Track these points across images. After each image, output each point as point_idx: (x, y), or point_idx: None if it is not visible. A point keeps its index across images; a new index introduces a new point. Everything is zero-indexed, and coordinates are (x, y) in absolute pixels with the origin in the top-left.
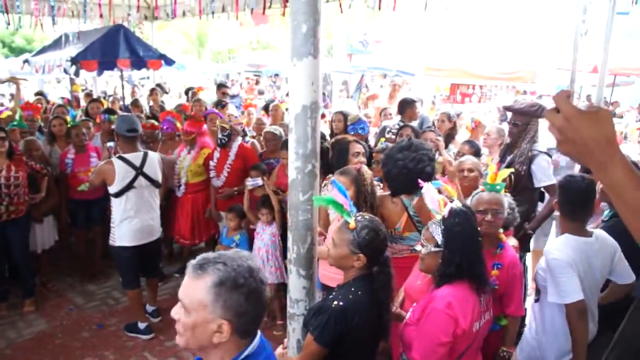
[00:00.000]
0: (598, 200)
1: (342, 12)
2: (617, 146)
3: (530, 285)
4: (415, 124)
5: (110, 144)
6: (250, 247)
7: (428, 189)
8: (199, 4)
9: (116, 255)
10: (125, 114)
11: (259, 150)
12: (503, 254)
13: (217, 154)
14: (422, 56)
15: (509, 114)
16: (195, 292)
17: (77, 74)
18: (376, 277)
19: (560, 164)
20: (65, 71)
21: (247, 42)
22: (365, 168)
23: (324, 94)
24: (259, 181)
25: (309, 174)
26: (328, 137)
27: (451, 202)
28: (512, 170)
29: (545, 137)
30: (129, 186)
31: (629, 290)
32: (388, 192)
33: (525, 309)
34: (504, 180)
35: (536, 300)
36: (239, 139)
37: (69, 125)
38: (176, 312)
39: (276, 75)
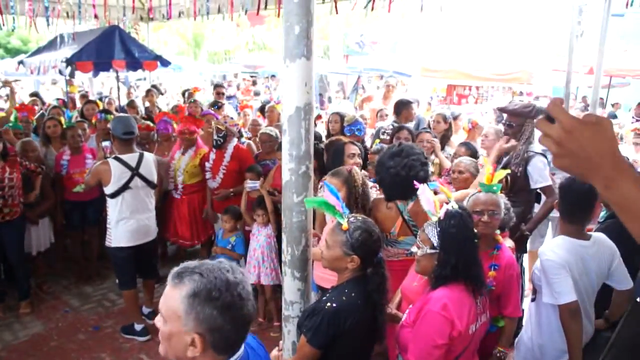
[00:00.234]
0: (599, 204)
1: (337, 13)
2: (623, 158)
3: (527, 286)
4: (411, 125)
5: (106, 143)
6: (246, 248)
7: (424, 191)
8: (194, 5)
9: (112, 256)
10: (122, 114)
11: (255, 152)
12: (500, 255)
13: (212, 156)
14: (418, 57)
15: (505, 115)
16: (171, 301)
17: (72, 75)
18: (370, 278)
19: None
20: (61, 72)
21: (244, 43)
22: (356, 169)
23: (320, 95)
24: (258, 184)
25: (303, 175)
26: (324, 139)
27: (447, 203)
28: (509, 171)
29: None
30: (125, 187)
31: (629, 295)
32: (383, 196)
33: (523, 310)
34: (500, 181)
35: (533, 300)
36: (235, 140)
37: (64, 127)
38: (157, 319)
39: (273, 76)
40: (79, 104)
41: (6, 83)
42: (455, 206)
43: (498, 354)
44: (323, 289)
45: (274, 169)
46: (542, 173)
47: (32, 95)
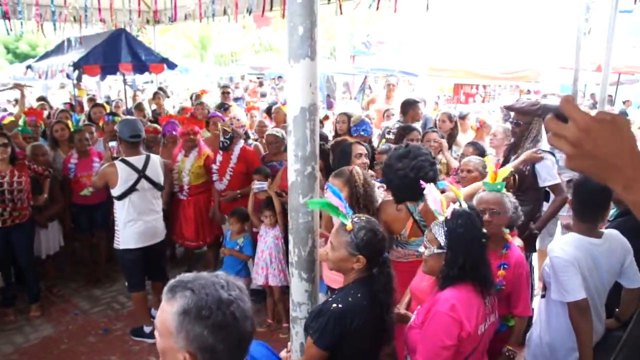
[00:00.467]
0: None
1: (341, 13)
2: None
3: (537, 285)
4: (418, 124)
5: (112, 143)
6: (254, 249)
7: (430, 190)
8: (199, 7)
9: (121, 258)
10: (129, 117)
11: (262, 153)
12: (509, 254)
13: (219, 157)
14: (425, 57)
15: (512, 114)
16: (163, 316)
17: (79, 78)
18: (376, 278)
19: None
20: (68, 76)
21: (250, 44)
22: (357, 169)
23: (328, 95)
24: (265, 185)
25: (309, 176)
26: (331, 139)
27: (455, 203)
28: (511, 169)
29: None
30: (132, 189)
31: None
32: (391, 198)
33: (533, 309)
34: (505, 179)
35: (543, 296)
36: (241, 142)
37: (72, 130)
38: (155, 331)
39: (279, 77)
40: (86, 108)
41: (17, 86)
42: (465, 205)
43: (508, 353)
44: (332, 290)
45: (282, 170)
46: (551, 171)
47: (39, 99)
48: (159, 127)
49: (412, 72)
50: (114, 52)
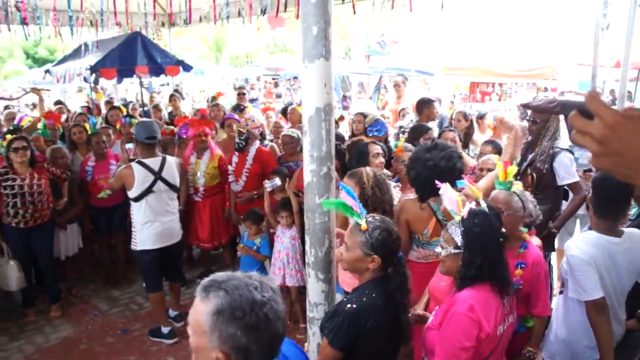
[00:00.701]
0: None
1: (355, 13)
2: None
3: (556, 285)
4: (434, 123)
5: (129, 145)
6: (271, 250)
7: (446, 190)
8: (214, 9)
9: (138, 259)
10: (145, 119)
11: (278, 154)
12: (526, 253)
13: (235, 159)
14: (440, 55)
15: (529, 112)
16: (197, 315)
17: (96, 82)
18: (391, 278)
19: (580, 161)
20: (86, 80)
21: (265, 45)
22: (367, 170)
23: (344, 96)
24: (277, 181)
25: (325, 176)
26: (347, 139)
27: (473, 202)
28: (516, 167)
29: (568, 134)
30: (148, 190)
31: None
32: (413, 197)
33: (552, 309)
34: (525, 178)
35: (561, 292)
36: (257, 143)
37: (89, 133)
38: (189, 328)
39: (294, 78)
40: (103, 111)
41: (34, 91)
42: (484, 205)
43: (528, 354)
44: (348, 293)
45: (298, 171)
46: (569, 169)
47: (56, 103)
48: (175, 128)
49: (427, 71)
50: (130, 55)
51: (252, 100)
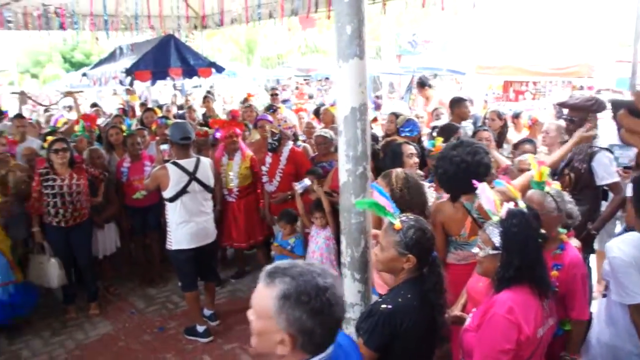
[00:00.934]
0: None
1: (385, 13)
2: None
3: (596, 288)
4: (467, 123)
5: (164, 146)
6: (305, 250)
7: (484, 189)
8: (246, 11)
9: (174, 258)
10: (179, 121)
11: (311, 154)
12: (563, 255)
13: (268, 159)
14: (472, 54)
15: (565, 111)
16: (262, 300)
17: (131, 84)
18: (426, 278)
19: (620, 160)
20: (121, 82)
21: (296, 46)
22: (398, 172)
23: (377, 96)
24: (307, 182)
25: (360, 176)
26: (380, 139)
27: (509, 202)
28: (548, 168)
29: (606, 133)
30: (183, 191)
31: None
32: (446, 199)
33: (591, 313)
34: (561, 179)
35: (604, 296)
36: (290, 144)
37: (124, 134)
38: (250, 313)
39: (326, 78)
40: (138, 112)
41: (69, 94)
42: (522, 205)
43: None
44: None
45: (333, 171)
46: (608, 169)
47: (92, 105)
48: (209, 130)
49: (459, 70)
50: (164, 57)
51: (284, 101)
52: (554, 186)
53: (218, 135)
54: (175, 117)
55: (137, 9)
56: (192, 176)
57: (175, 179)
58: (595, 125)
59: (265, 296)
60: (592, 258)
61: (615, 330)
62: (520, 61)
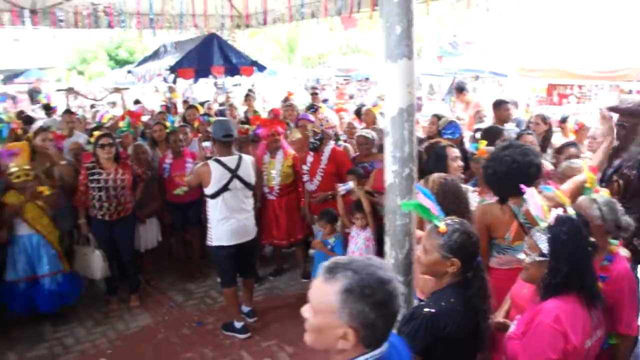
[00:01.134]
0: None
1: (428, 14)
2: None
3: None
4: (511, 126)
5: (207, 143)
6: (345, 250)
7: (532, 195)
8: (289, 10)
9: (214, 254)
10: (222, 118)
11: (352, 154)
12: (611, 266)
13: (310, 158)
14: (515, 56)
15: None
16: (323, 296)
17: (174, 81)
18: (470, 282)
19: None
20: (165, 80)
21: (337, 46)
22: (435, 177)
23: (417, 98)
24: (351, 184)
25: (407, 177)
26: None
27: (559, 208)
28: (585, 176)
29: None
30: (225, 188)
31: None
32: (492, 201)
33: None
34: (609, 186)
35: None
36: (332, 143)
37: (167, 131)
38: (306, 310)
39: (366, 79)
40: (180, 110)
41: (117, 90)
42: (571, 211)
43: None
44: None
45: (375, 171)
46: None
47: (135, 102)
48: (250, 127)
49: (501, 72)
50: (207, 55)
51: (323, 101)
52: (603, 193)
53: (259, 132)
54: (216, 114)
55: (183, 7)
56: (234, 173)
57: (217, 176)
58: None
59: (326, 292)
60: None
61: None
62: (565, 64)
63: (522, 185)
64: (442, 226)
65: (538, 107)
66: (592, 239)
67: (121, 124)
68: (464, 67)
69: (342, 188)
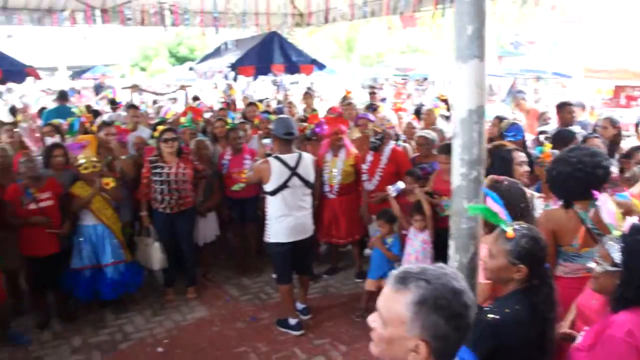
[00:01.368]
0: None
1: (493, 13)
2: None
3: None
4: (577, 129)
5: (267, 140)
6: (402, 251)
7: (605, 201)
8: (351, 9)
9: (271, 251)
10: (283, 116)
11: (411, 154)
12: None
13: (369, 158)
14: (580, 56)
15: None
16: (394, 306)
17: (235, 79)
18: (537, 290)
19: None
20: (226, 77)
21: (395, 45)
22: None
23: None
24: (401, 185)
25: (474, 180)
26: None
27: (634, 216)
28: None
29: None
30: (284, 185)
31: None
32: (557, 206)
33: None
34: None
35: None
36: (392, 143)
37: (228, 128)
38: (374, 320)
39: (425, 79)
40: (239, 106)
41: (182, 87)
42: None
43: None
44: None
45: (435, 173)
46: None
47: (194, 99)
48: (307, 125)
49: (565, 73)
50: (268, 53)
51: (382, 100)
52: None
53: (318, 130)
54: (275, 112)
55: (246, 6)
56: (293, 171)
57: (276, 173)
58: None
59: (397, 302)
60: None
61: None
62: (633, 64)
63: (594, 191)
64: (510, 231)
65: (604, 110)
66: None
67: (183, 119)
68: (526, 67)
69: (392, 189)
